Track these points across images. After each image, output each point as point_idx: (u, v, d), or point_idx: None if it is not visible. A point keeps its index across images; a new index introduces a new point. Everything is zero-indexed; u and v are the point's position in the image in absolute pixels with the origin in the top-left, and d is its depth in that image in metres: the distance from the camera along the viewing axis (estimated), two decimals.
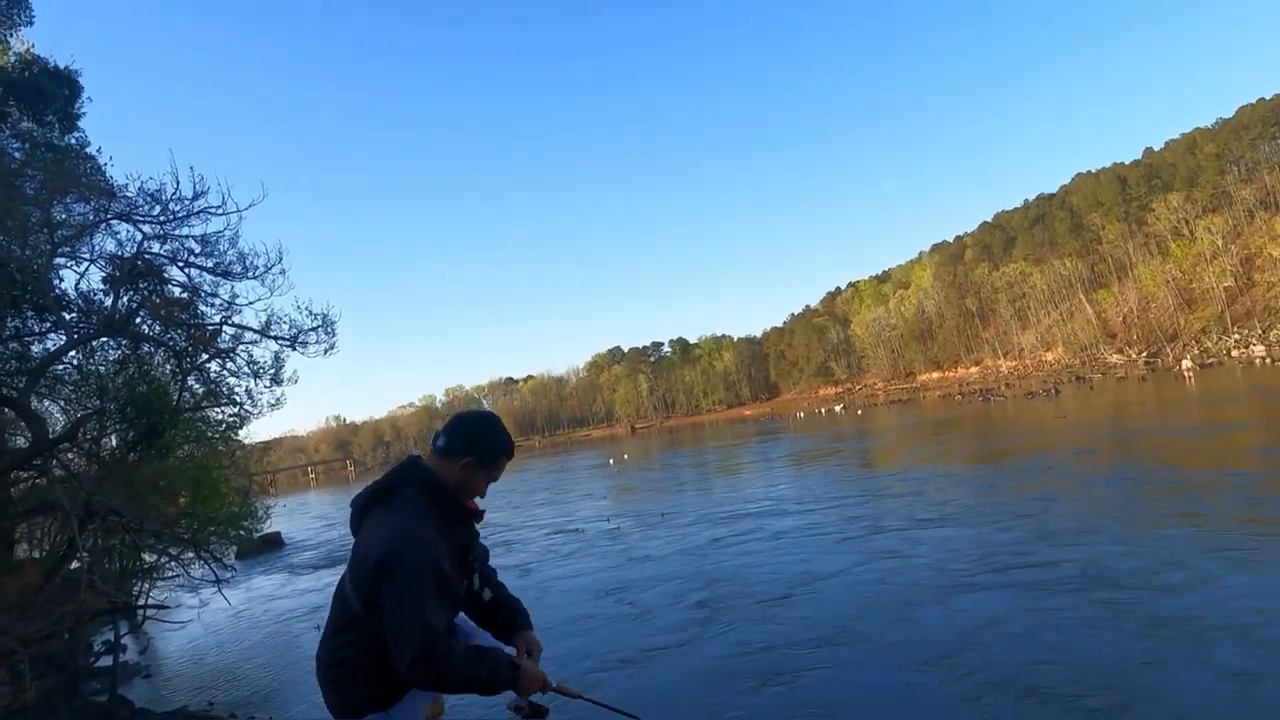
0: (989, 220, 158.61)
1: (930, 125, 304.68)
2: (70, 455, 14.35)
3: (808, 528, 22.57)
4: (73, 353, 14.59)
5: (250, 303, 15.10)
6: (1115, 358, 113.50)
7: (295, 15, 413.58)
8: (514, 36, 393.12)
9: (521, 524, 33.78)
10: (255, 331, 15.32)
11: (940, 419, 64.24)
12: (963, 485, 26.58)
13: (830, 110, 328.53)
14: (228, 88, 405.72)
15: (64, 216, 13.88)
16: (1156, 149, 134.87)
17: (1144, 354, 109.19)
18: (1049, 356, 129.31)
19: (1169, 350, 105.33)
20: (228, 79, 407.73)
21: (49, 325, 14.58)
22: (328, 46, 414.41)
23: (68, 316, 14.22)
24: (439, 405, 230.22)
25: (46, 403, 16.48)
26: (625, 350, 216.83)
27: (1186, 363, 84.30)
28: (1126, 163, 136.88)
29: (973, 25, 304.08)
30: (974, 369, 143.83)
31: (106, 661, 18.29)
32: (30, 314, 14.38)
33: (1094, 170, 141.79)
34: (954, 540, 18.01)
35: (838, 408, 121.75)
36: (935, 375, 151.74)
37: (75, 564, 13.67)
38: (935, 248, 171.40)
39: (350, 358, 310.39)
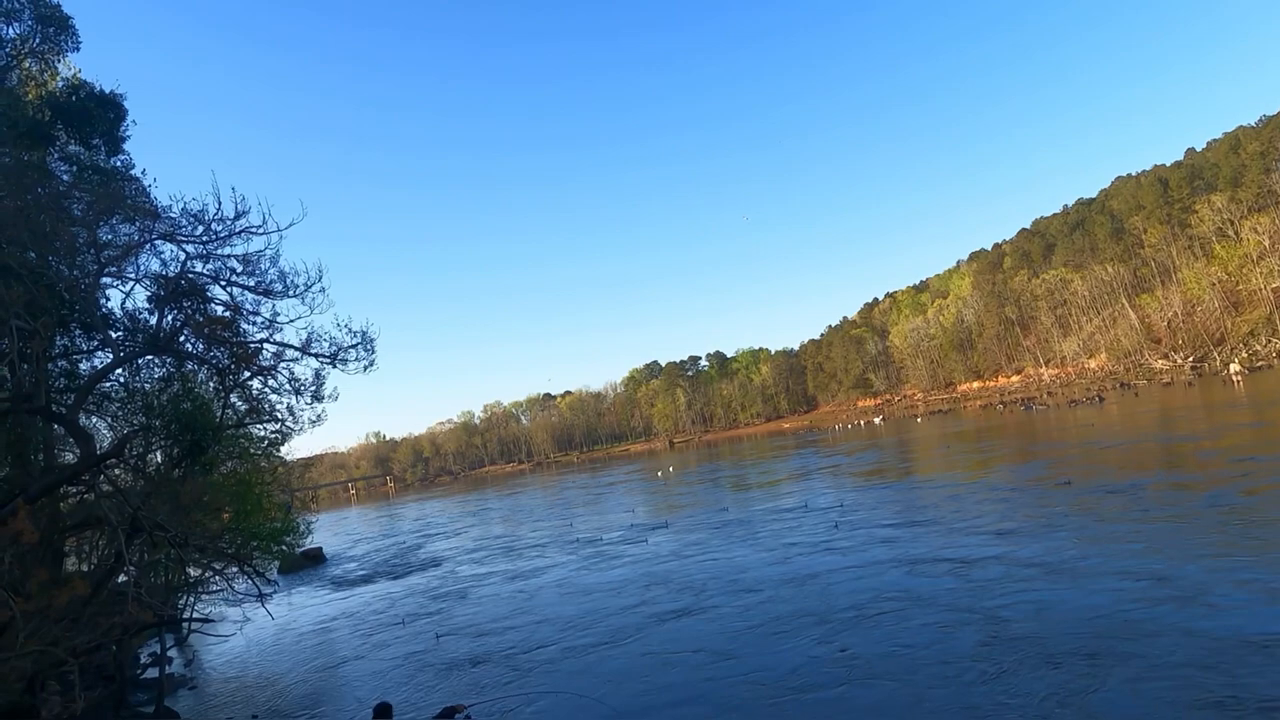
0: (1027, 227, 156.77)
1: (966, 132, 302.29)
2: (117, 471, 14.64)
3: (799, 530, 24.24)
4: (119, 370, 14.92)
5: (291, 320, 15.32)
6: (1160, 363, 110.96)
7: (341, 39, 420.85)
8: (551, 53, 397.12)
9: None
10: (296, 349, 15.56)
11: (979, 429, 63.54)
12: (983, 496, 27.17)
13: (865, 120, 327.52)
14: (273, 111, 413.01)
15: (110, 237, 14.22)
16: (1199, 149, 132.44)
17: (1190, 359, 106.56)
18: (1092, 363, 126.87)
19: (1216, 354, 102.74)
20: (275, 102, 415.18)
21: (96, 343, 14.92)
22: (370, 67, 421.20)
23: (114, 335, 14.55)
24: (477, 421, 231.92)
25: (94, 419, 16.86)
26: (663, 365, 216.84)
27: (1234, 366, 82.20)
28: (1168, 164, 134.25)
29: (1008, 32, 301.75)
30: (1015, 378, 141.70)
31: (153, 673, 18.64)
32: (78, 332, 14.73)
33: (1134, 173, 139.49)
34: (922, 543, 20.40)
35: (877, 419, 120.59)
36: (976, 385, 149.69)
37: (122, 578, 13.93)
38: (973, 256, 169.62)
39: (390, 375, 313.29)
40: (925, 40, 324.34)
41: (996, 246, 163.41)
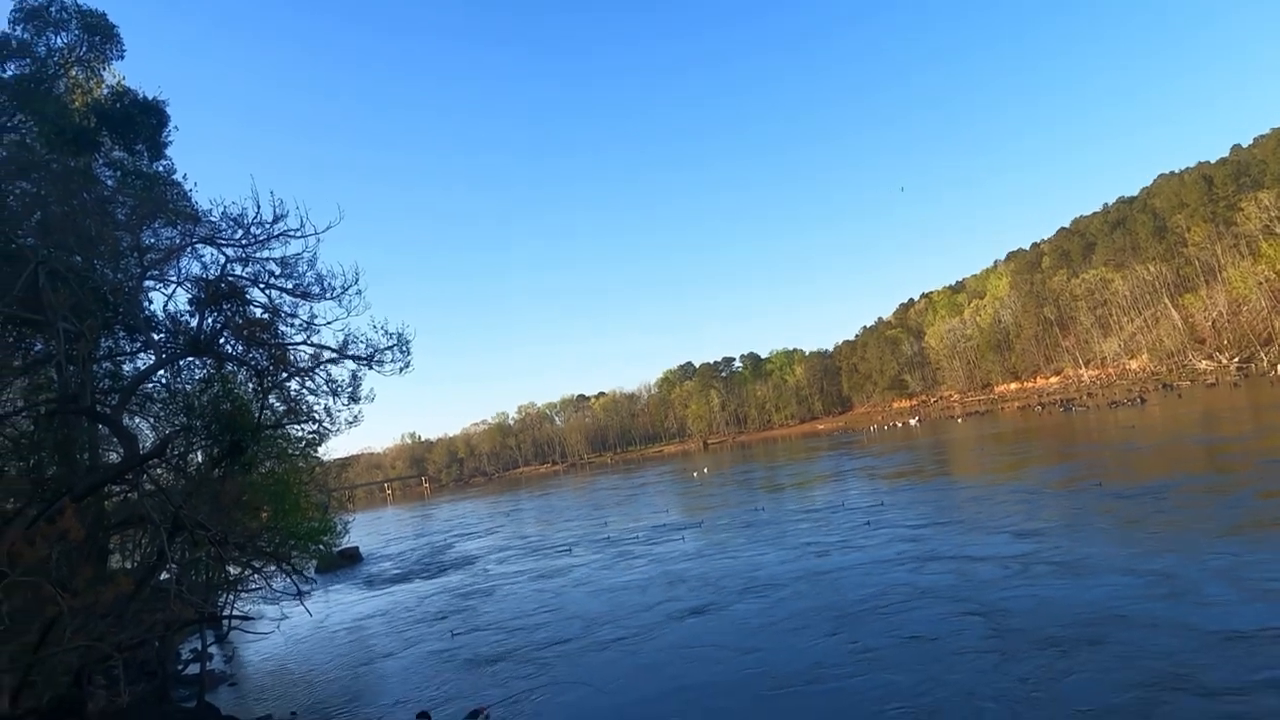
0: (1066, 226, 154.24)
1: (1004, 131, 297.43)
2: (159, 470, 14.92)
3: (823, 529, 24.50)
4: (161, 372, 15.22)
5: (328, 323, 15.56)
6: (1205, 364, 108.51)
7: (378, 45, 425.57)
8: (590, 55, 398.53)
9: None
10: (333, 351, 15.79)
11: (1016, 430, 62.63)
12: (1011, 497, 26.93)
13: (901, 119, 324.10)
14: (310, 115, 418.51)
15: (152, 241, 14.51)
16: (1245, 145, 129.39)
17: (1235, 359, 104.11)
18: (1133, 364, 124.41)
19: (1263, 355, 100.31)
20: (314, 109, 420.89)
21: (139, 345, 15.23)
22: (409, 71, 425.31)
23: (156, 337, 14.84)
24: (511, 422, 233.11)
25: (137, 420, 17.21)
26: (697, 366, 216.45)
27: None
28: (1212, 161, 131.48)
29: (1049, 28, 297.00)
30: (1054, 379, 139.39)
31: (195, 669, 18.97)
32: (122, 335, 15.04)
33: (1177, 171, 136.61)
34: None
35: (913, 421, 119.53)
36: (1013, 386, 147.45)
37: (164, 575, 14.22)
38: (1011, 255, 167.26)
39: (426, 376, 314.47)
40: (964, 37, 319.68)
41: (1035, 246, 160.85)
